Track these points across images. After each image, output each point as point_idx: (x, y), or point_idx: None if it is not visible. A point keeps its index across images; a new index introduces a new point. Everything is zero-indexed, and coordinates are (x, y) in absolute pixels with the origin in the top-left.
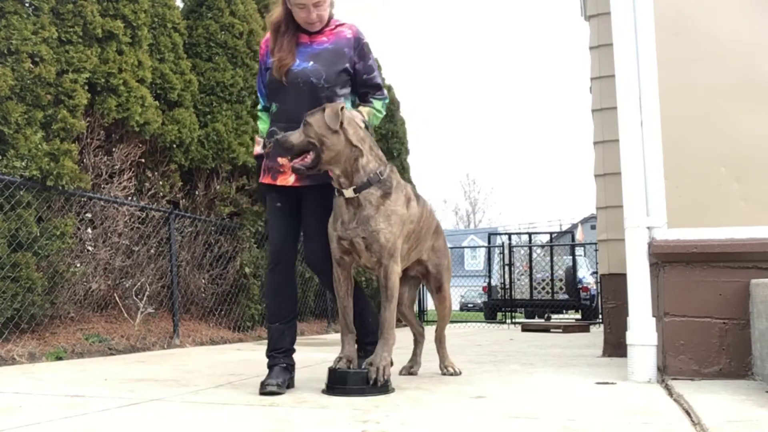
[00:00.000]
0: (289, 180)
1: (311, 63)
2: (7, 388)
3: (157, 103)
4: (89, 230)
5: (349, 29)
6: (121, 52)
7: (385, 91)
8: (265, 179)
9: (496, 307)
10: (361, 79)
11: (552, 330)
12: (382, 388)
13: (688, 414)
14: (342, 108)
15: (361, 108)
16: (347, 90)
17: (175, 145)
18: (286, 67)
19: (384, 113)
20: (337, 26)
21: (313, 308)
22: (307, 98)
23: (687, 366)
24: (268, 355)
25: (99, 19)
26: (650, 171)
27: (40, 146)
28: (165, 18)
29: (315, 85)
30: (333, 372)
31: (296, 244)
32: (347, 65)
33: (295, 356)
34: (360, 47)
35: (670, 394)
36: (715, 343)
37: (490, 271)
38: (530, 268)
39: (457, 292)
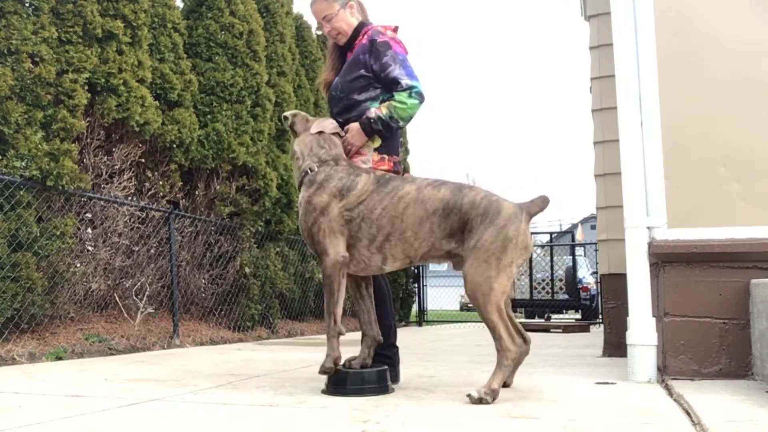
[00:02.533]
0: None
1: (337, 78)
2: (7, 388)
3: (157, 103)
4: (89, 230)
5: (365, 34)
6: (121, 52)
7: (406, 81)
8: None
9: None
10: (380, 78)
11: (552, 330)
12: (382, 388)
13: (688, 414)
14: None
15: (381, 105)
16: (370, 93)
17: (175, 145)
18: (327, 85)
19: (413, 101)
20: (364, 35)
21: (313, 308)
22: (332, 110)
23: (687, 366)
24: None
25: (99, 19)
26: (650, 171)
27: (40, 146)
28: (165, 18)
29: (334, 98)
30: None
31: None
32: (362, 71)
33: (295, 356)
34: (373, 48)
35: (670, 394)
36: (715, 343)
37: None
38: (530, 268)
39: (458, 292)
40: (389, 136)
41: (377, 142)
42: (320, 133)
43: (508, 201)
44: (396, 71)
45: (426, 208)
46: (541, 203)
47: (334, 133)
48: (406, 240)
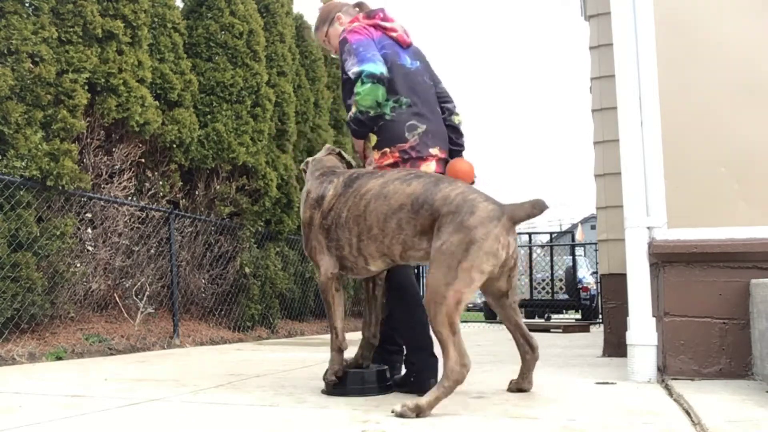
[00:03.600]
0: None
1: None
2: (7, 388)
3: (157, 103)
4: (89, 230)
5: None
6: (121, 52)
7: (355, 70)
8: None
9: None
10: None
11: (552, 330)
12: (382, 388)
13: (688, 414)
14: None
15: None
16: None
17: (175, 145)
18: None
19: (365, 86)
20: None
21: (313, 308)
22: None
23: (687, 366)
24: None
25: (99, 19)
26: (650, 171)
27: (40, 146)
28: (165, 18)
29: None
30: None
31: None
32: (344, 75)
33: (295, 356)
34: (341, 49)
35: (670, 394)
36: (715, 343)
37: None
38: (530, 268)
39: None
40: (375, 130)
41: (373, 140)
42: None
43: (488, 201)
44: (348, 64)
45: (390, 203)
46: (530, 209)
47: (329, 154)
48: (375, 237)
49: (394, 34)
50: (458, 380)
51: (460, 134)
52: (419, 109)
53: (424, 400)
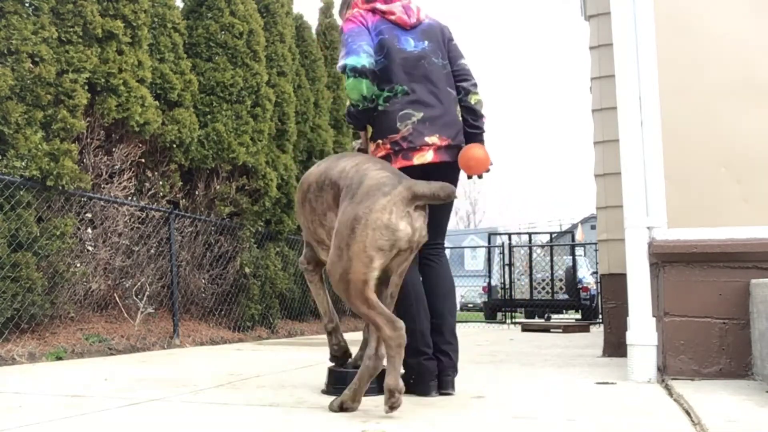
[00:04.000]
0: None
1: None
2: (7, 388)
3: (157, 103)
4: (89, 230)
5: None
6: (121, 52)
7: (341, 64)
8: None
9: (496, 307)
10: None
11: (552, 330)
12: (382, 388)
13: (688, 414)
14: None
15: None
16: None
17: (175, 145)
18: None
19: (349, 80)
20: None
21: (313, 308)
22: None
23: (687, 366)
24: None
25: (99, 19)
26: (650, 171)
27: (40, 146)
28: (165, 18)
29: None
30: (332, 372)
31: None
32: None
33: (295, 356)
34: (341, 39)
35: (670, 394)
36: (715, 343)
37: (490, 271)
38: (530, 268)
39: (458, 292)
40: (370, 122)
41: (369, 132)
42: None
43: (382, 170)
44: (339, 56)
45: (302, 189)
46: (437, 189)
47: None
48: (307, 227)
49: (392, 17)
50: (400, 344)
51: (477, 116)
52: (417, 96)
53: (391, 382)
